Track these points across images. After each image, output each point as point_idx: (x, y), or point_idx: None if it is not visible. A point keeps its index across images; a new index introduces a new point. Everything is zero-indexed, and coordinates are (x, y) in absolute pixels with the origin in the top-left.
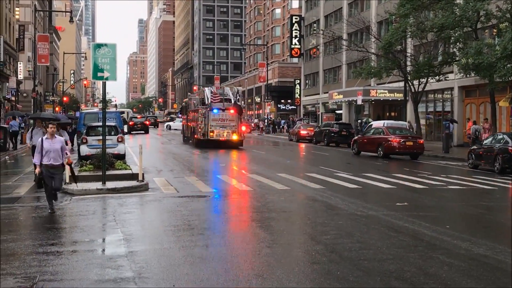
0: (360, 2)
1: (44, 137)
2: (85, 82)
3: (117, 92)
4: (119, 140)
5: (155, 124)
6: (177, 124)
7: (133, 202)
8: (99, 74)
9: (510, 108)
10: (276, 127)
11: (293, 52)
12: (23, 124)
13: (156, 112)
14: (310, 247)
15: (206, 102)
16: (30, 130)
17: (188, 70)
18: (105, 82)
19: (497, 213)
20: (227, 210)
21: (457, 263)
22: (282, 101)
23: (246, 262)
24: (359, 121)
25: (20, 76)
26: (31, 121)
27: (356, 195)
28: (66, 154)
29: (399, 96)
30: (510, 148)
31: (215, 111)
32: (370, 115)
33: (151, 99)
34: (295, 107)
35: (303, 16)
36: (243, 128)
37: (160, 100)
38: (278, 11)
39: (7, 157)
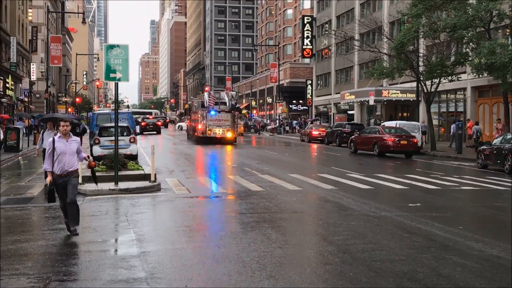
0: (372, 2)
1: (56, 137)
2: (97, 83)
3: (129, 93)
4: (132, 140)
5: (165, 125)
6: None
7: (146, 202)
8: (112, 75)
9: None
10: (288, 127)
11: (304, 52)
12: (33, 125)
13: (168, 112)
14: (323, 247)
15: (205, 105)
16: (41, 133)
17: (200, 71)
18: (117, 83)
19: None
20: (239, 211)
21: (470, 264)
22: (294, 101)
23: (258, 262)
24: (371, 121)
25: (33, 77)
26: (40, 123)
27: (369, 195)
28: (88, 158)
29: (412, 96)
30: None
31: (212, 112)
32: (382, 115)
33: (163, 100)
34: (306, 107)
35: (315, 16)
36: (236, 127)
37: (172, 101)
38: (289, 11)
39: (20, 157)
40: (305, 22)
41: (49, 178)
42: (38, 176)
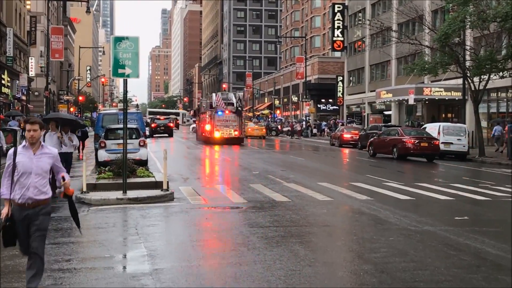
0: None
1: (20, 146)
2: (102, 79)
3: (138, 90)
4: (141, 144)
5: (176, 126)
6: None
7: (157, 213)
8: (120, 70)
9: None
10: (316, 129)
11: (335, 45)
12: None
13: (181, 111)
14: (357, 266)
15: (213, 106)
16: (42, 134)
17: (217, 66)
18: (126, 79)
19: None
20: (262, 224)
21: None
22: (323, 100)
23: (285, 282)
24: (405, 123)
25: (32, 73)
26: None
27: (409, 207)
28: (63, 179)
29: (457, 95)
30: None
31: (219, 113)
32: (423, 116)
33: (175, 98)
34: (337, 107)
35: (346, 4)
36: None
37: (185, 99)
38: None
39: None
40: (336, 11)
41: (4, 210)
42: None
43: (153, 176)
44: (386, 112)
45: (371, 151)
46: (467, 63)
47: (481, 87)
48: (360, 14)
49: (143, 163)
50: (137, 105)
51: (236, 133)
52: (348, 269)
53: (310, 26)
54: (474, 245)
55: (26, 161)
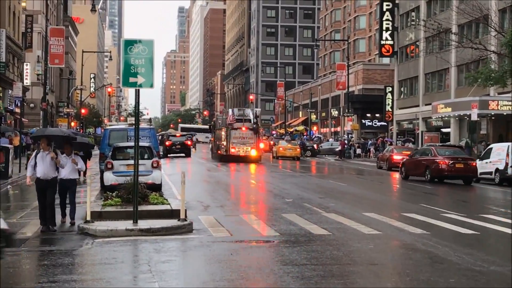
0: None
1: None
2: (109, 89)
3: (150, 102)
4: (154, 165)
5: (193, 145)
6: None
7: (174, 247)
8: (132, 79)
9: None
10: (360, 149)
11: (383, 50)
12: (25, 143)
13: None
14: None
15: (229, 122)
16: (33, 155)
17: (243, 74)
18: (138, 90)
19: None
20: (297, 261)
21: None
22: (368, 115)
23: None
24: (460, 143)
25: (27, 81)
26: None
27: (472, 243)
28: None
29: None
30: None
31: (236, 129)
32: (488, 135)
33: (193, 112)
34: (385, 123)
35: (397, 2)
36: (261, 145)
37: (205, 113)
38: None
39: (9, 186)
40: (384, 10)
41: None
42: (32, 211)
43: (169, 203)
44: (444, 130)
45: (403, 173)
46: None
47: None
48: (413, 14)
49: (157, 187)
50: (150, 120)
51: (254, 151)
52: None
53: (354, 28)
54: None
55: None
